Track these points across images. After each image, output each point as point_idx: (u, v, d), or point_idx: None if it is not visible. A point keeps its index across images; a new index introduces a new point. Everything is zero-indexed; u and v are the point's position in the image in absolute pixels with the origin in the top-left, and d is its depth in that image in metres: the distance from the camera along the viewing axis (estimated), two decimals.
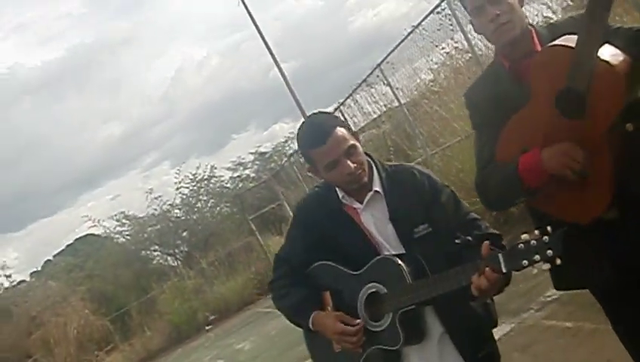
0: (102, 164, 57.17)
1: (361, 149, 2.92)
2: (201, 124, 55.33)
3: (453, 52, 11.71)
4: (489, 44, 10.48)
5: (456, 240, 2.80)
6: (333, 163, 2.85)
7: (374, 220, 2.94)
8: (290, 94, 22.29)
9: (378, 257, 2.87)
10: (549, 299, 6.74)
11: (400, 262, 2.80)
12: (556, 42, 2.55)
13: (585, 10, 2.41)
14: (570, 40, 2.47)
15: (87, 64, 58.46)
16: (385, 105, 14.70)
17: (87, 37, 62.38)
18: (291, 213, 20.82)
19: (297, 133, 3.03)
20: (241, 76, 55.18)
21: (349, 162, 2.84)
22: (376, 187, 2.95)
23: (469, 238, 2.80)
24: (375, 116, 15.47)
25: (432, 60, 12.45)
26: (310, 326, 2.98)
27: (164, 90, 59.30)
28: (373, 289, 2.87)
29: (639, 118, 2.51)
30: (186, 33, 61.57)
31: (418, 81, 13.33)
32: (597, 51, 2.40)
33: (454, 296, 2.69)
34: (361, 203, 2.96)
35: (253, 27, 22.75)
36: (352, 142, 2.87)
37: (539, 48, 2.71)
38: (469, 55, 11.24)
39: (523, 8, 2.81)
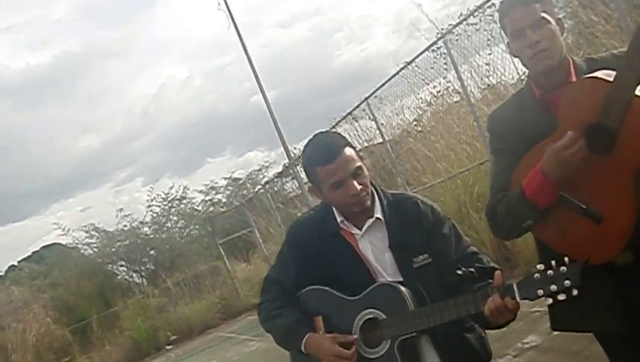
0: (76, 175, 56.43)
1: (366, 172, 2.85)
2: (178, 144, 54.99)
3: (444, 91, 11.37)
4: (481, 85, 10.32)
5: (458, 272, 2.69)
6: (340, 183, 2.78)
7: (372, 247, 2.87)
8: (272, 122, 21.95)
9: (378, 283, 2.81)
10: (526, 345, 6.52)
11: (403, 288, 2.74)
12: (594, 74, 2.43)
13: (628, 46, 2.31)
14: (609, 75, 2.36)
15: (71, 72, 57.69)
16: (366, 141, 14.43)
17: (74, 45, 61.61)
18: (261, 241, 20.66)
19: (304, 150, 2.95)
20: (222, 100, 55.07)
21: (355, 183, 2.77)
22: (378, 214, 2.87)
23: (472, 270, 2.69)
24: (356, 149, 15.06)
25: (420, 98, 12.14)
26: (302, 348, 2.86)
27: (144, 106, 58.68)
28: (371, 316, 2.80)
29: None
30: (172, 51, 61.26)
31: (404, 118, 13.00)
32: (635, 88, 2.28)
33: (451, 327, 2.67)
34: (360, 229, 2.88)
35: (239, 52, 22.48)
36: (359, 163, 2.81)
37: (574, 79, 2.59)
38: (459, 96, 10.93)
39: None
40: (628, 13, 6.94)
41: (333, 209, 2.93)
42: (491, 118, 2.88)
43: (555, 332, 6.24)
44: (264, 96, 22.43)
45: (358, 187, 2.78)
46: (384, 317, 2.76)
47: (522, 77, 10.00)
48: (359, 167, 2.80)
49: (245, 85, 52.13)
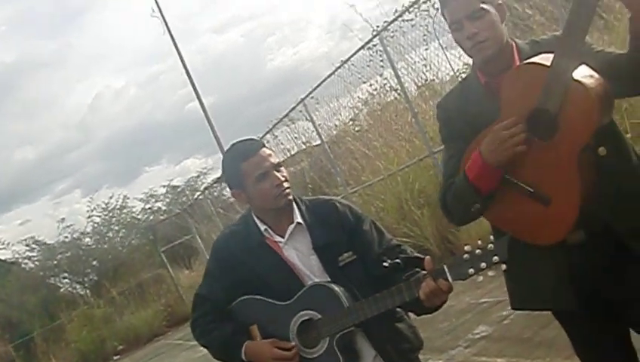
0: (13, 188, 55.11)
1: (285, 171, 2.94)
2: (115, 154, 54.03)
3: (380, 89, 11.24)
4: (418, 82, 10.18)
5: (384, 264, 2.75)
6: (264, 174, 2.85)
7: (297, 253, 2.91)
8: (210, 128, 21.62)
9: (310, 284, 2.85)
10: (477, 336, 6.51)
11: (335, 286, 2.79)
12: (531, 60, 2.42)
13: (562, 31, 2.35)
14: (547, 59, 2.35)
15: (5, 84, 56.19)
16: (304, 143, 14.25)
17: (7, 56, 60.29)
18: (203, 247, 20.34)
19: (226, 156, 3.02)
20: (158, 108, 54.39)
21: (278, 174, 2.86)
22: (298, 219, 2.93)
23: (398, 261, 2.75)
24: (293, 153, 14.98)
25: (358, 97, 11.96)
26: (243, 356, 2.90)
27: (80, 116, 57.49)
28: (306, 317, 2.83)
29: (612, 143, 2.48)
30: (106, 60, 60.17)
31: (341, 118, 12.82)
32: (572, 72, 2.30)
33: (383, 318, 2.72)
34: (283, 236, 2.92)
35: (174, 59, 22.22)
36: (278, 160, 2.92)
37: (518, 64, 2.57)
38: (396, 94, 10.79)
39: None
40: (562, 4, 6.87)
41: (255, 219, 2.97)
42: (440, 106, 2.85)
43: (505, 321, 6.27)
44: (200, 102, 22.16)
45: (282, 178, 2.86)
46: (319, 316, 2.79)
47: (457, 73, 9.92)
48: (279, 163, 2.90)
49: (181, 92, 51.59)
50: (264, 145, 2.94)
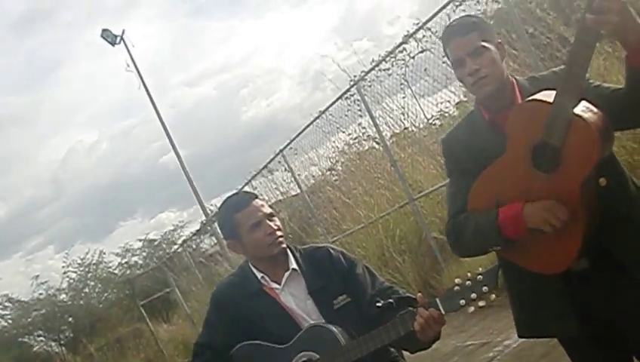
0: None
1: (278, 221, 3.04)
2: (89, 209, 53.34)
3: (359, 138, 11.28)
4: (395, 129, 10.27)
5: (378, 304, 2.82)
6: (258, 223, 2.95)
7: (294, 298, 2.99)
8: (187, 180, 21.60)
9: (307, 326, 2.91)
10: None
11: (332, 326, 2.86)
12: (535, 97, 2.51)
13: (564, 66, 2.43)
14: (549, 95, 2.45)
15: None
16: (282, 194, 14.23)
17: None
18: (182, 300, 20.14)
19: (220, 209, 3.17)
20: (131, 162, 54.04)
21: (271, 223, 2.97)
22: (293, 265, 3.01)
23: (391, 301, 2.82)
24: (272, 203, 14.94)
25: (336, 146, 12.00)
26: None
27: (53, 172, 56.98)
28: (305, 358, 2.88)
29: (612, 174, 2.58)
30: (79, 115, 59.95)
31: (320, 167, 12.85)
32: (574, 107, 2.38)
33: (378, 360, 2.82)
34: (279, 283, 3.00)
35: (147, 113, 22.41)
36: (270, 210, 3.03)
37: (520, 100, 2.67)
38: (374, 142, 10.85)
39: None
40: (534, 52, 7.01)
41: (252, 267, 3.06)
42: (445, 141, 2.93)
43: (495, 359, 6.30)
44: (177, 155, 22.14)
45: (274, 226, 2.97)
46: (317, 356, 2.85)
47: (431, 120, 10.04)
48: (271, 213, 3.02)
49: (154, 146, 51.43)
50: (257, 197, 3.06)
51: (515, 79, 2.74)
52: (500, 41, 2.77)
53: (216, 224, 18.41)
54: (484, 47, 2.65)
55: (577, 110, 2.39)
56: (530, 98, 2.53)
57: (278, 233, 2.99)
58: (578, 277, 2.59)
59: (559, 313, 2.65)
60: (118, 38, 23.21)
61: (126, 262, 31.77)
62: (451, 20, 2.85)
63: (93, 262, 31.17)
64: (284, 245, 3.01)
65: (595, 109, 2.42)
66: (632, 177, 2.70)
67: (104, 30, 23.19)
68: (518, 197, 2.54)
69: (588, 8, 2.26)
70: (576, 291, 2.61)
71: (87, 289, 31.28)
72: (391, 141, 10.28)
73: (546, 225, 2.45)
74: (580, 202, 2.45)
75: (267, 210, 3.01)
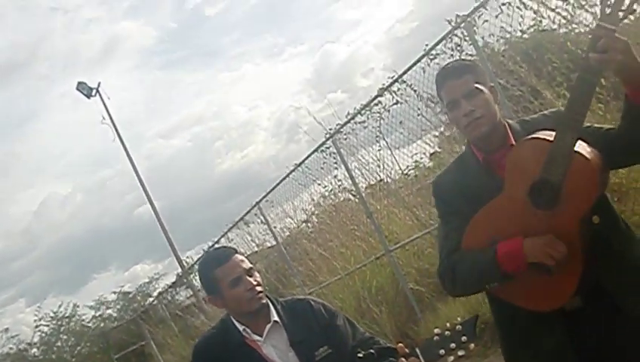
0: None
1: (258, 275, 3.05)
2: (62, 262, 52.43)
3: (335, 189, 11.30)
4: (371, 181, 10.30)
5: (359, 355, 2.78)
6: (237, 279, 2.96)
7: (276, 350, 2.98)
8: (162, 232, 21.50)
9: None
10: None
11: None
12: (535, 135, 2.56)
13: (565, 107, 2.47)
14: (548, 134, 2.50)
15: None
16: (258, 245, 14.17)
17: None
18: (157, 352, 19.87)
19: (200, 264, 3.19)
20: (105, 214, 53.28)
21: (251, 279, 2.98)
22: (275, 317, 3.02)
23: (372, 351, 2.79)
24: (248, 254, 14.85)
25: (312, 199, 12.01)
26: None
27: (26, 223, 56.16)
28: None
29: (604, 212, 2.61)
30: (54, 167, 59.37)
31: (296, 219, 12.82)
32: (574, 144, 2.43)
33: None
34: (261, 336, 2.99)
35: (121, 165, 22.34)
36: (250, 265, 3.03)
37: (513, 142, 2.71)
38: (351, 193, 10.88)
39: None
40: (508, 103, 7.09)
41: (233, 320, 3.05)
42: (436, 183, 2.97)
43: None
44: (153, 207, 22.10)
45: (254, 282, 2.98)
46: None
47: (406, 171, 10.09)
48: (251, 268, 3.02)
49: (128, 198, 50.86)
50: (237, 252, 3.07)
51: (507, 122, 2.80)
52: (492, 84, 2.84)
53: (191, 276, 18.33)
54: (478, 89, 2.72)
55: (577, 147, 2.44)
56: (530, 136, 2.58)
57: (258, 288, 2.99)
58: (572, 315, 2.61)
59: (555, 351, 2.66)
60: (94, 91, 23.31)
61: (100, 315, 31.26)
62: (446, 64, 2.93)
63: (66, 315, 30.62)
64: (264, 300, 3.01)
65: (591, 148, 2.48)
66: (620, 215, 2.76)
67: (80, 83, 23.28)
68: (516, 234, 2.56)
69: (591, 48, 2.32)
70: (572, 329, 2.63)
71: (59, 343, 30.54)
72: (366, 193, 10.29)
73: (548, 258, 2.47)
74: (579, 238, 2.50)
75: (247, 265, 3.01)
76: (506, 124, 2.78)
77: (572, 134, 2.42)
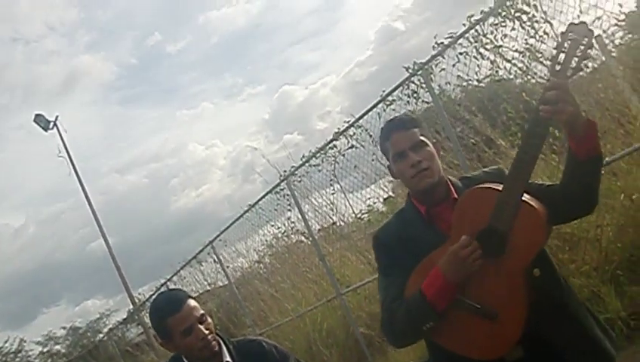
0: None
1: (210, 319, 3.05)
2: (10, 295, 51.55)
3: (288, 231, 11.23)
4: (324, 224, 10.27)
5: None
6: (189, 329, 2.94)
7: None
8: (115, 268, 21.18)
9: None
10: None
11: None
12: (484, 185, 2.59)
13: (514, 159, 2.50)
14: (497, 185, 2.54)
15: None
16: (209, 284, 14.06)
17: None
18: None
19: (152, 307, 3.11)
20: (58, 248, 52.71)
21: (202, 327, 2.96)
22: (227, 358, 3.02)
23: None
24: (199, 293, 14.73)
25: (265, 239, 11.94)
26: None
27: None
28: None
29: (544, 264, 2.64)
30: (7, 199, 58.64)
31: (248, 259, 12.72)
32: (522, 194, 2.47)
33: None
34: None
35: (76, 198, 22.19)
36: (202, 311, 3.03)
37: (456, 196, 2.74)
38: (303, 236, 10.86)
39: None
40: (462, 151, 7.14)
41: (184, 360, 3.04)
42: (377, 237, 2.95)
43: None
44: (106, 242, 21.79)
45: (206, 331, 2.97)
46: None
47: (360, 215, 10.08)
48: (203, 314, 3.01)
49: (82, 232, 50.41)
50: (189, 298, 3.04)
51: (449, 178, 2.84)
52: (434, 140, 2.87)
53: (143, 313, 18.04)
54: (424, 142, 2.77)
55: (524, 197, 2.48)
56: (479, 186, 2.62)
57: (210, 337, 2.98)
58: None
59: None
60: (51, 124, 23.07)
61: (48, 351, 30.74)
62: (391, 118, 2.96)
63: (12, 350, 30.06)
64: (216, 348, 3.00)
65: (535, 200, 2.52)
66: (558, 269, 2.78)
67: (37, 115, 23.05)
68: (460, 282, 2.56)
69: (542, 101, 2.38)
70: None
71: None
72: (319, 235, 10.28)
73: (467, 264, 2.50)
74: (523, 287, 2.51)
75: (198, 312, 3.00)
76: (448, 180, 2.82)
77: (520, 184, 2.46)
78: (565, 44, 2.41)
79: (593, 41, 2.49)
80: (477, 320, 2.55)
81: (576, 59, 2.40)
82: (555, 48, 2.47)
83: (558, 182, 2.64)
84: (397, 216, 2.95)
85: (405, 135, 2.78)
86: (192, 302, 3.02)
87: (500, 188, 2.51)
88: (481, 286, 2.55)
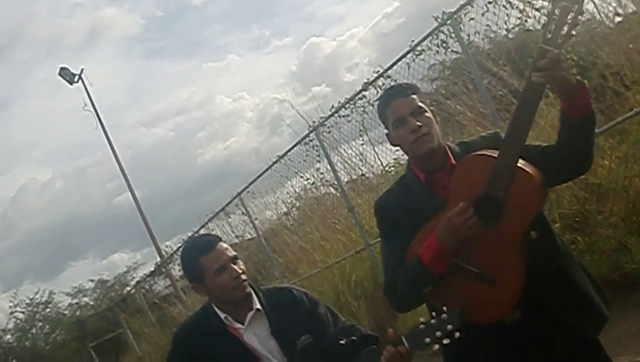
0: None
1: (242, 264, 3.05)
2: (39, 249, 51.88)
3: (317, 182, 11.33)
4: (352, 175, 10.36)
5: (341, 342, 2.82)
6: (223, 267, 2.95)
7: (257, 338, 2.99)
8: (142, 221, 21.39)
9: None
10: None
11: None
12: (480, 152, 2.67)
13: (508, 125, 2.58)
14: (493, 151, 2.61)
15: None
16: (237, 237, 14.19)
17: None
18: (134, 341, 19.88)
19: (183, 249, 3.20)
20: (84, 202, 52.77)
21: (236, 267, 2.97)
22: (257, 305, 3.02)
23: (354, 338, 2.84)
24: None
25: (294, 191, 12.04)
26: None
27: (3, 209, 55.64)
28: None
29: (541, 227, 2.71)
30: (33, 153, 58.94)
31: (277, 211, 12.85)
32: (517, 160, 2.54)
33: None
34: (243, 323, 3.00)
35: (102, 153, 22.27)
36: (235, 253, 3.03)
37: (453, 161, 2.81)
38: (332, 187, 10.92)
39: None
40: (490, 101, 7.17)
41: (215, 308, 3.05)
42: (378, 204, 3.02)
43: None
44: (133, 195, 21.96)
45: (239, 270, 2.98)
46: None
47: (386, 168, 10.15)
48: (235, 256, 3.01)
49: (108, 186, 50.74)
50: (221, 240, 3.06)
51: (447, 144, 2.90)
52: (432, 108, 2.93)
53: (170, 266, 18.30)
54: (422, 108, 2.82)
55: (520, 163, 2.55)
56: (475, 153, 2.70)
57: (243, 276, 2.99)
58: (512, 327, 2.69)
59: None
60: (76, 77, 23.11)
61: (77, 303, 31.12)
62: (389, 86, 3.07)
63: (42, 301, 30.48)
64: (248, 289, 3.02)
65: (531, 165, 2.59)
66: (556, 231, 2.88)
67: (62, 68, 23.10)
68: (459, 247, 2.64)
69: (534, 67, 2.47)
70: (512, 342, 2.71)
71: (34, 330, 30.45)
72: (348, 187, 10.33)
73: (461, 228, 2.58)
74: (520, 252, 2.60)
75: (231, 253, 3.01)
76: (446, 146, 2.88)
77: (515, 150, 2.53)
78: (556, 11, 2.47)
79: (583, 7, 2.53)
80: (476, 285, 2.63)
81: (566, 26, 2.46)
82: (546, 16, 2.52)
83: (554, 143, 2.70)
84: (398, 183, 3.02)
85: (404, 101, 2.83)
86: (225, 244, 3.04)
87: (496, 155, 2.58)
88: (481, 251, 2.63)
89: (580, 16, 2.48)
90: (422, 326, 2.51)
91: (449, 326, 2.47)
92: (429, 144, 2.78)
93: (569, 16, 2.47)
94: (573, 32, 2.49)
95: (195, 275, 3.04)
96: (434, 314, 2.50)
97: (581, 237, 6.48)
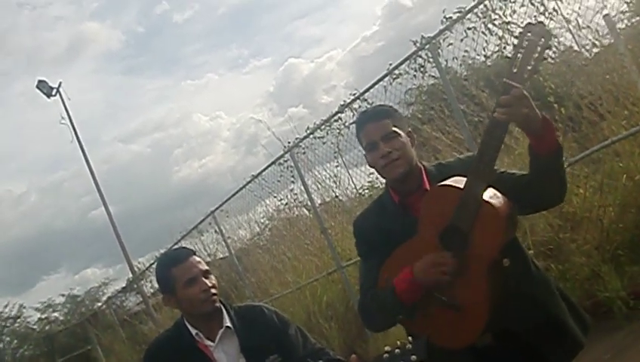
0: None
1: (214, 279, 3.04)
2: (10, 262, 51.24)
3: (290, 203, 11.27)
4: (326, 197, 10.30)
5: None
6: (193, 279, 2.95)
7: (226, 356, 2.98)
8: (115, 236, 21.21)
9: None
10: None
11: None
12: (447, 182, 2.67)
13: (474, 158, 2.59)
14: (460, 181, 2.61)
15: None
16: (209, 255, 14.07)
17: None
18: (103, 357, 19.61)
19: (158, 261, 3.23)
20: (59, 215, 52.41)
21: (207, 281, 2.97)
22: (227, 323, 3.01)
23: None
24: None
25: (268, 211, 11.97)
26: None
27: None
28: None
29: (514, 254, 2.73)
30: (9, 165, 58.23)
31: (250, 230, 12.77)
32: (482, 194, 2.55)
33: None
34: (213, 341, 2.98)
35: (78, 166, 22.13)
36: (207, 267, 3.03)
37: (427, 185, 2.85)
38: (305, 208, 10.89)
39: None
40: (466, 127, 7.15)
41: (187, 324, 3.03)
42: (356, 224, 3.07)
43: None
44: (107, 210, 21.79)
45: (209, 283, 2.97)
46: None
47: (360, 191, 10.11)
48: (208, 270, 3.02)
49: (83, 200, 50.24)
50: (194, 253, 3.06)
51: (423, 165, 2.93)
52: (410, 130, 2.96)
53: (142, 282, 18.11)
54: (395, 132, 2.83)
55: (486, 196, 2.56)
56: (442, 183, 2.69)
57: (213, 290, 2.98)
58: (484, 351, 2.70)
59: None
60: (54, 90, 22.98)
61: (46, 318, 30.77)
62: (365, 109, 3.10)
63: (11, 316, 30.10)
64: (217, 303, 3.00)
65: (501, 196, 2.60)
66: (532, 258, 2.91)
67: (40, 81, 22.98)
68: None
69: (497, 104, 2.45)
70: None
71: (1, 345, 30.02)
72: (321, 208, 10.29)
73: (438, 273, 2.60)
74: (487, 281, 2.61)
75: (204, 266, 3.01)
76: (422, 168, 2.91)
77: (480, 184, 2.54)
78: (523, 44, 2.45)
79: (550, 42, 2.51)
80: (444, 312, 2.65)
81: (533, 61, 2.44)
82: (512, 49, 2.50)
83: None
84: (376, 203, 3.05)
85: (376, 126, 2.86)
86: (198, 258, 3.04)
87: (462, 187, 2.59)
88: (451, 279, 2.64)
89: (546, 50, 2.46)
90: (386, 355, 2.47)
91: (412, 357, 2.43)
92: (398, 169, 2.81)
93: (536, 50, 2.44)
94: (540, 67, 2.47)
95: (166, 286, 3.03)
96: (399, 343, 2.47)
97: (554, 265, 6.48)
